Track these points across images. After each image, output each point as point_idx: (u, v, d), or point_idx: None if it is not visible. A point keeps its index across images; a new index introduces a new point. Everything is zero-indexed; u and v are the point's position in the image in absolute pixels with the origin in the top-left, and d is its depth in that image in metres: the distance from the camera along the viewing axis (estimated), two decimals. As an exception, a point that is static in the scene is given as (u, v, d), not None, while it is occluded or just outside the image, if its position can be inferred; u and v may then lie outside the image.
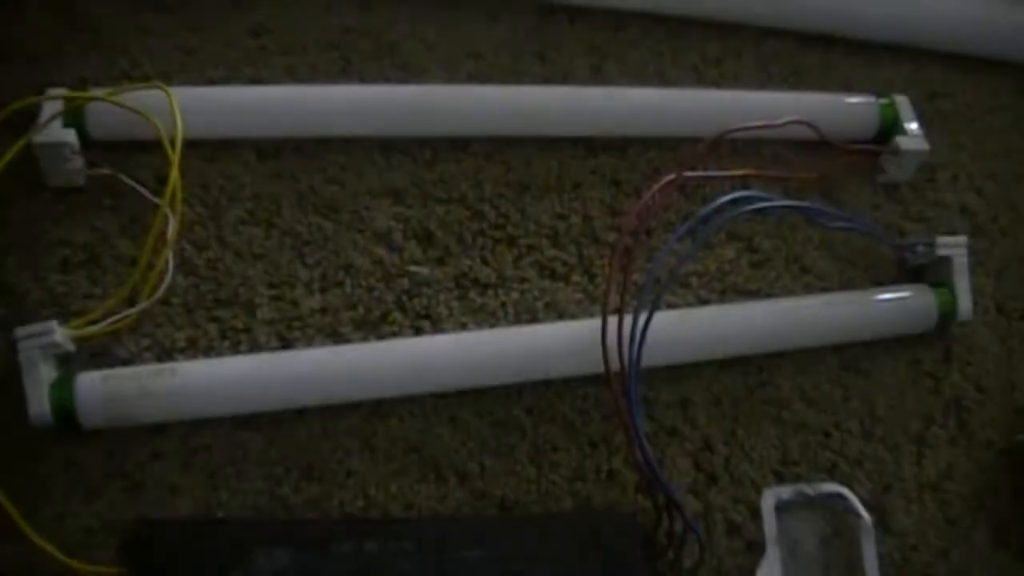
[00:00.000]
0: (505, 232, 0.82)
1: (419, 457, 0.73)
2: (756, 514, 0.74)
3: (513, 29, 0.93)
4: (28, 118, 0.74)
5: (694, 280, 0.83)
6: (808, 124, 0.85)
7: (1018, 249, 0.91)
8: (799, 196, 0.89)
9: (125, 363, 0.72)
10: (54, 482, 0.69)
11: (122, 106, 0.75)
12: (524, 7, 0.94)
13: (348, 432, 0.73)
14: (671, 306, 0.82)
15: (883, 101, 0.91)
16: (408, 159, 0.84)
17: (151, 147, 0.79)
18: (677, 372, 0.79)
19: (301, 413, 0.73)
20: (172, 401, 0.70)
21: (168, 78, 0.81)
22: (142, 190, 0.77)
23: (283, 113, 0.81)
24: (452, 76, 0.89)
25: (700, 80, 0.94)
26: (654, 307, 0.72)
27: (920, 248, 0.86)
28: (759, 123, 0.83)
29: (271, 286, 0.77)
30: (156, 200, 0.77)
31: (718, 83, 0.94)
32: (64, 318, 0.71)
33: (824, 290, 0.85)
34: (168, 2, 0.88)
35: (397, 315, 0.78)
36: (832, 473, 0.78)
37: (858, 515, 0.72)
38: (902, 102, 0.91)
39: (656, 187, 0.84)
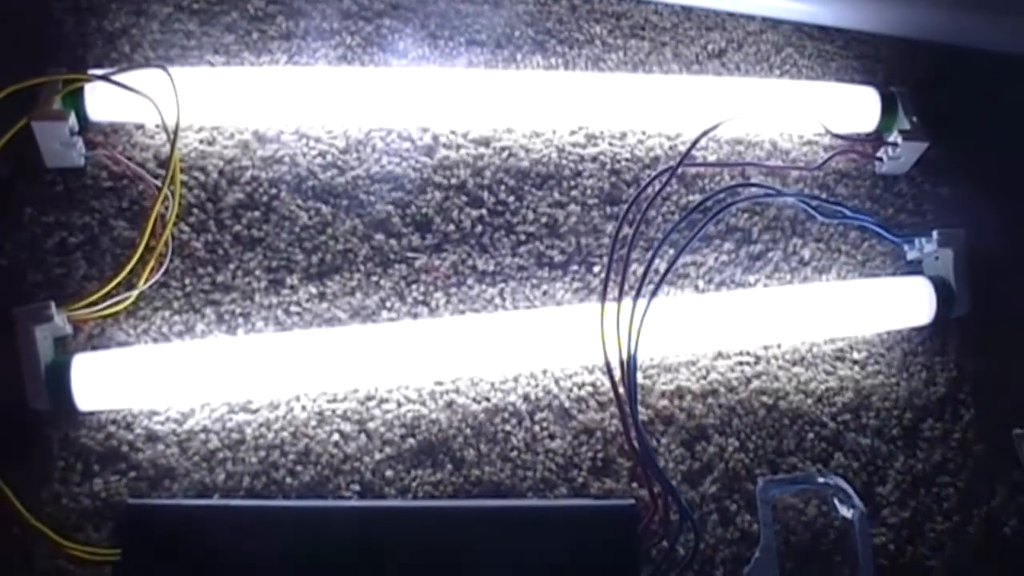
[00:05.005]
0: (504, 220, 0.82)
1: (415, 442, 0.73)
2: (751, 504, 0.74)
3: (514, 17, 0.92)
4: (28, 99, 0.74)
5: (692, 270, 0.83)
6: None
7: (1016, 244, 0.91)
8: (798, 188, 0.89)
9: (122, 345, 0.72)
10: (50, 464, 0.69)
11: (122, 86, 0.75)
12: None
13: (344, 417, 0.73)
14: (669, 296, 0.82)
15: (884, 94, 0.91)
16: (407, 145, 0.83)
17: (150, 129, 0.80)
18: (673, 361, 0.79)
19: (298, 397, 0.73)
20: (169, 384, 0.70)
21: (168, 62, 0.81)
22: (142, 172, 0.77)
23: (283, 97, 0.80)
24: (452, 63, 0.89)
25: (701, 70, 0.94)
26: (652, 297, 0.73)
27: (918, 241, 0.86)
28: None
29: (269, 271, 0.77)
30: (155, 182, 0.77)
31: (719, 73, 0.94)
32: (62, 300, 0.71)
33: (822, 282, 0.85)
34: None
35: (395, 302, 0.78)
36: (827, 464, 0.79)
37: (852, 506, 0.72)
38: (903, 95, 0.91)
39: (655, 176, 0.84)
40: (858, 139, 0.91)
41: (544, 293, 0.80)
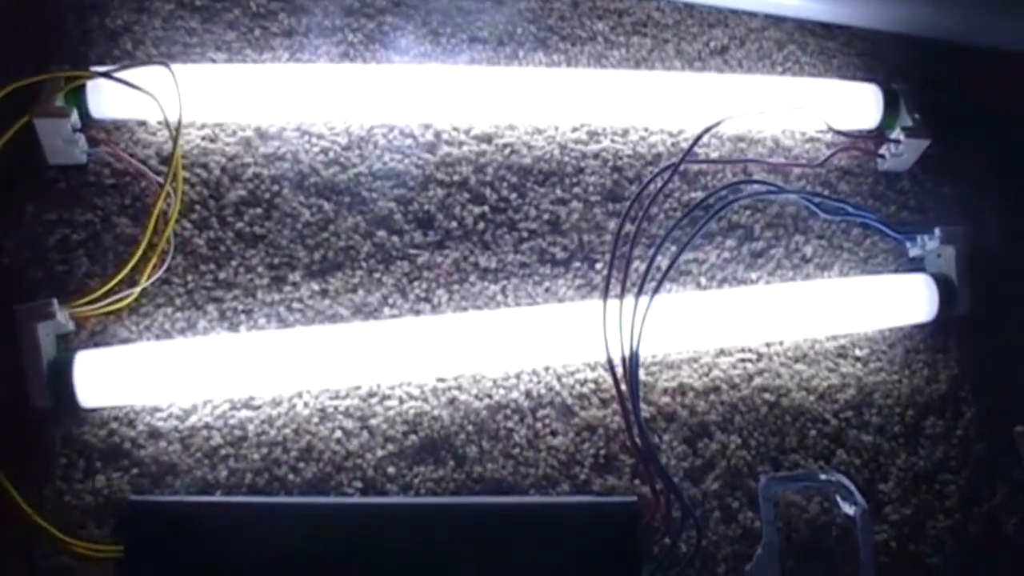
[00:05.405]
0: (506, 216, 0.82)
1: (417, 439, 0.73)
2: (753, 501, 0.74)
3: (516, 14, 0.92)
4: (30, 96, 0.74)
5: (694, 268, 0.83)
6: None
7: (1018, 241, 0.91)
8: (800, 185, 0.89)
9: (125, 342, 0.72)
10: (52, 461, 0.69)
11: (124, 83, 0.75)
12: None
13: (347, 413, 0.73)
14: (671, 293, 0.82)
15: (886, 90, 0.91)
16: (410, 141, 0.83)
17: (153, 126, 0.80)
18: (676, 358, 0.79)
19: (300, 394, 0.73)
20: (171, 381, 0.70)
21: (170, 59, 0.81)
22: (144, 169, 0.77)
23: (285, 94, 0.80)
24: (454, 60, 0.89)
25: (703, 67, 0.94)
26: (654, 294, 0.72)
27: (920, 239, 0.86)
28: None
29: (271, 267, 0.77)
30: (158, 179, 0.77)
31: (721, 70, 0.94)
32: (64, 297, 0.71)
33: (824, 279, 0.85)
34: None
35: (397, 298, 0.78)
36: (829, 461, 0.79)
37: (854, 503, 0.72)
38: (905, 92, 0.90)
39: (657, 173, 0.84)
40: (860, 136, 0.91)
41: (546, 290, 0.80)
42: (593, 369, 0.78)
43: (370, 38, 0.88)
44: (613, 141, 0.87)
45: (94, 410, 0.70)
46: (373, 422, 0.73)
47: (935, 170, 0.93)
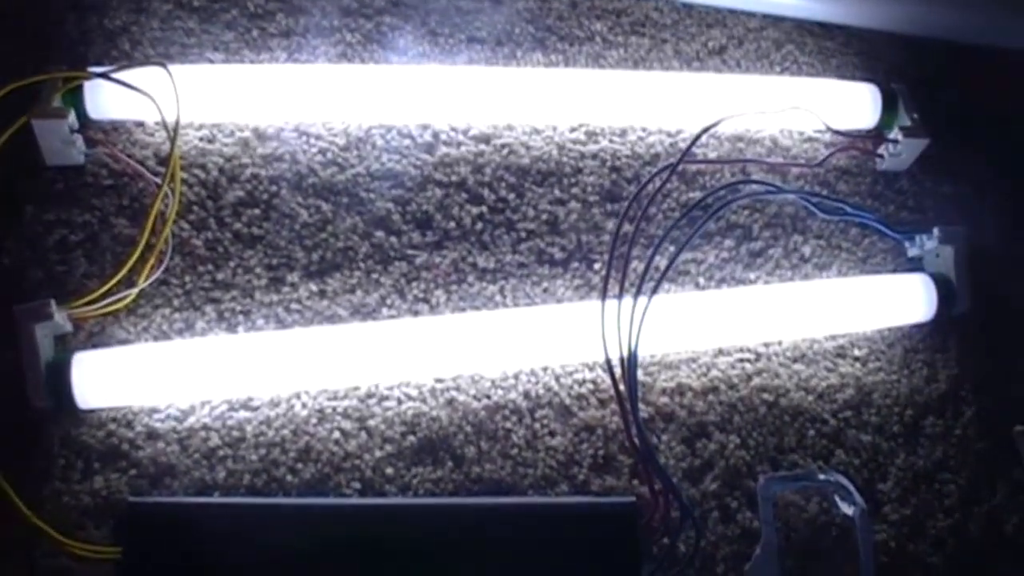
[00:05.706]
0: (504, 217, 0.82)
1: (416, 440, 0.73)
2: (752, 501, 0.74)
3: (514, 14, 0.92)
4: (28, 97, 0.74)
5: (693, 267, 0.83)
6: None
7: (1018, 240, 0.91)
8: (799, 185, 0.89)
9: (123, 343, 0.72)
10: (51, 462, 0.69)
11: (122, 84, 0.75)
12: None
13: (345, 414, 0.73)
14: (669, 293, 0.82)
15: (884, 90, 0.91)
16: (408, 142, 0.83)
17: (150, 127, 0.80)
18: (674, 358, 0.79)
19: (298, 394, 0.73)
20: (169, 382, 0.70)
21: (168, 59, 0.81)
22: (142, 169, 0.77)
23: (283, 94, 0.80)
24: (453, 60, 0.89)
25: (702, 67, 0.94)
26: (652, 294, 0.72)
27: (919, 238, 0.86)
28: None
29: (269, 268, 0.77)
30: (156, 180, 0.76)
31: (720, 70, 0.94)
32: (62, 298, 0.71)
33: (822, 279, 0.85)
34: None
35: (395, 299, 0.78)
36: (828, 461, 0.78)
37: (854, 503, 0.72)
38: (903, 91, 0.90)
39: (655, 173, 0.84)
40: (859, 136, 0.91)
41: (544, 290, 0.80)
42: (591, 369, 0.78)
43: (368, 38, 0.88)
44: (611, 141, 0.87)
45: (92, 411, 0.70)
46: (371, 423, 0.73)
47: (934, 170, 0.93)
